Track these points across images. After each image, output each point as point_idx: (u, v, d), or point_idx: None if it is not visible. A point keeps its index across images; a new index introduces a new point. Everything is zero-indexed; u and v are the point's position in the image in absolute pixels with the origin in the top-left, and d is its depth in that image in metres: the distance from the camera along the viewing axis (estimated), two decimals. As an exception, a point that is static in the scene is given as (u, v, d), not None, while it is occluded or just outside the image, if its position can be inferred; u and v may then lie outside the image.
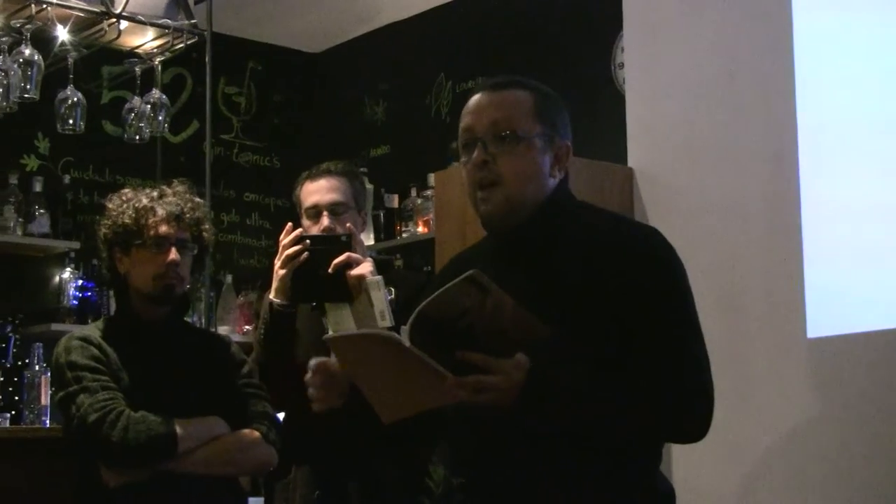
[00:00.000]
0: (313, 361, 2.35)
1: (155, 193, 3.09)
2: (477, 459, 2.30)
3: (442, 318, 2.00)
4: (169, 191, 3.11)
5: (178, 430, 2.92)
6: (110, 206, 3.10)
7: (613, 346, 2.20)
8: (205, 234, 3.11)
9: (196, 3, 5.03)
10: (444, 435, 2.49)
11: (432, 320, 2.00)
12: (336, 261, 3.13)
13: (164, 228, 3.03)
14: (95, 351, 2.99)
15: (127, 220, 3.04)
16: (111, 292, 4.86)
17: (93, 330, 3.10)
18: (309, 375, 2.34)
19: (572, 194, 2.43)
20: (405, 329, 2.01)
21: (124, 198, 3.09)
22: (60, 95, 4.64)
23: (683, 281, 2.32)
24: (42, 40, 4.57)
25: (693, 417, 2.25)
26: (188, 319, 5.30)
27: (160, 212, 3.04)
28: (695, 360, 2.25)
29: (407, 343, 1.99)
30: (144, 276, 3.04)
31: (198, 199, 3.16)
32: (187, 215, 3.06)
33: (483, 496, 2.27)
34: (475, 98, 2.41)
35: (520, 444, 2.22)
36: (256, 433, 3.08)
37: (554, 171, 2.37)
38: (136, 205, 3.05)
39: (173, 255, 3.02)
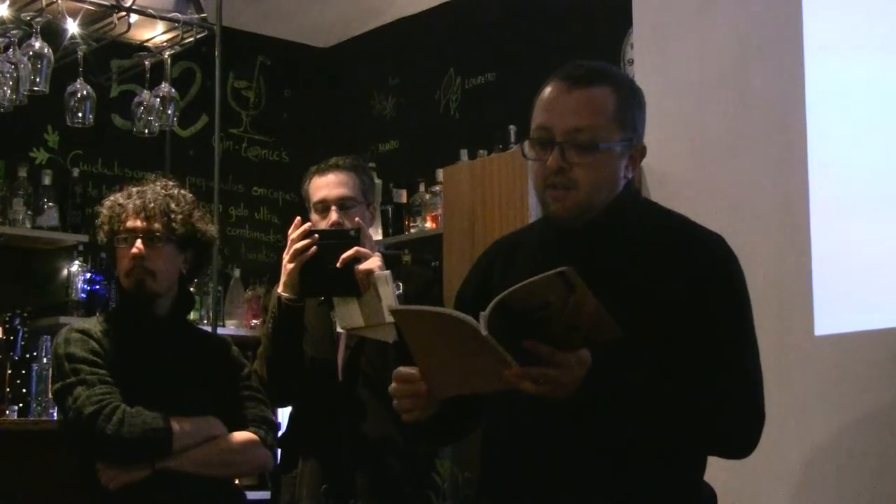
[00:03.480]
0: (399, 371, 2.21)
1: (134, 190, 3.11)
2: (514, 455, 2.27)
3: (521, 307, 1.99)
4: (149, 186, 3.12)
5: (174, 427, 2.92)
6: (99, 209, 3.14)
7: (666, 351, 2.17)
8: (176, 225, 3.06)
9: (205, -2, 5.04)
10: (470, 432, 2.46)
11: (510, 308, 1.99)
12: (344, 255, 3.14)
13: (130, 223, 3.04)
14: (95, 345, 2.99)
15: (105, 221, 3.08)
16: (115, 285, 4.88)
17: (93, 324, 3.10)
18: (393, 386, 2.21)
19: (638, 192, 2.38)
20: (483, 315, 1.98)
21: (109, 199, 3.13)
22: (70, 89, 4.65)
23: (743, 291, 2.28)
24: (52, 33, 4.57)
25: (742, 436, 2.23)
26: (196, 314, 5.39)
27: (128, 207, 3.05)
28: (749, 376, 2.22)
29: (484, 331, 1.97)
30: (121, 274, 3.07)
31: (182, 193, 3.14)
32: (153, 205, 3.04)
33: (518, 491, 2.25)
34: (554, 91, 2.30)
35: (563, 444, 2.20)
36: (254, 436, 3.09)
37: (627, 172, 2.32)
38: (111, 204, 3.09)
39: (137, 246, 3.01)
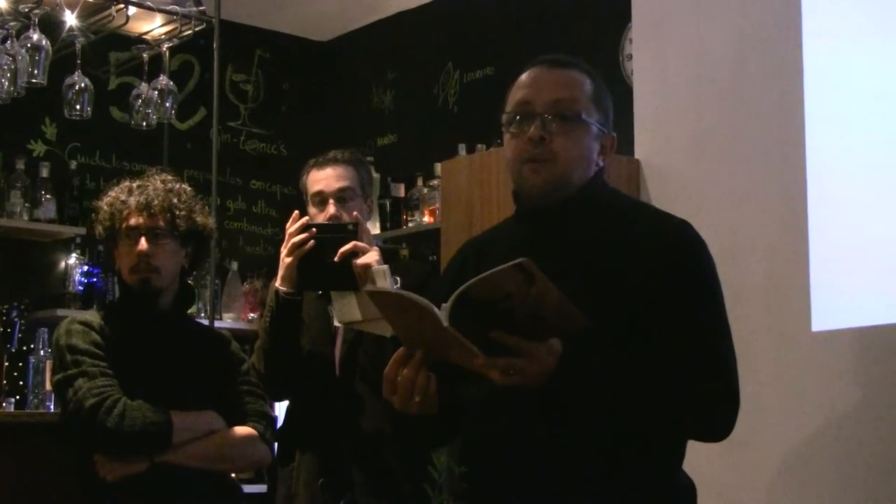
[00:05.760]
0: (390, 363, 2.19)
1: (135, 185, 3.09)
2: (493, 450, 2.27)
3: (483, 299, 2.01)
4: (149, 181, 3.10)
5: (174, 421, 2.92)
6: (98, 204, 3.11)
7: (637, 338, 2.18)
8: (180, 221, 3.05)
9: (204, -10, 5.03)
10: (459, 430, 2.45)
11: (473, 300, 2.00)
12: (342, 249, 3.14)
13: (133, 220, 3.02)
14: (96, 337, 2.99)
15: (104, 217, 3.06)
16: (116, 279, 4.89)
17: (94, 316, 3.10)
18: (388, 369, 2.19)
19: (607, 182, 2.41)
20: (445, 307, 2.00)
21: (108, 193, 3.11)
22: (68, 81, 4.64)
23: (713, 277, 2.30)
24: (50, 25, 4.57)
25: (717, 418, 2.24)
26: (194, 307, 5.38)
27: (131, 203, 3.04)
28: (722, 359, 2.23)
29: (445, 323, 1.99)
30: (124, 270, 3.06)
31: (181, 187, 3.13)
32: (156, 203, 3.03)
33: (498, 488, 2.25)
34: (533, 71, 2.36)
35: (540, 437, 2.20)
36: (253, 431, 3.09)
37: (599, 159, 2.36)
38: (110, 200, 3.07)
39: (142, 245, 3.00)
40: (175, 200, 3.07)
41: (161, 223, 3.04)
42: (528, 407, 2.17)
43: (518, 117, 2.32)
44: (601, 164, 2.36)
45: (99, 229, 3.09)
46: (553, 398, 2.12)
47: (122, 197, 3.06)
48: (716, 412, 2.24)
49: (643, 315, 2.20)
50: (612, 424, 2.17)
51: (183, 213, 3.07)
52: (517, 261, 1.98)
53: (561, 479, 2.20)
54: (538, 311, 2.03)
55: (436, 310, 2.01)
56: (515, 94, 2.35)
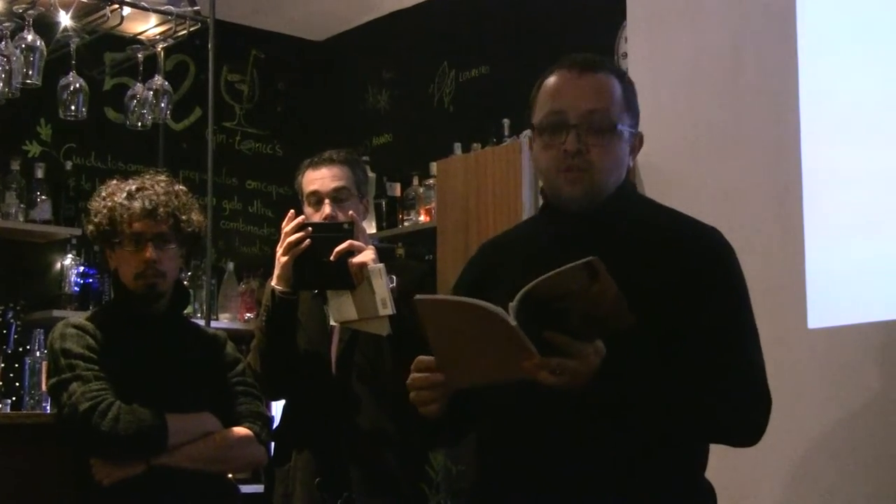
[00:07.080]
0: (420, 359, 2.16)
1: (133, 187, 3.05)
2: (513, 451, 2.26)
3: (543, 298, 2.00)
4: (148, 183, 3.07)
5: (169, 423, 2.92)
6: (92, 204, 3.08)
7: (669, 341, 2.18)
8: (183, 224, 3.04)
9: (199, -10, 5.03)
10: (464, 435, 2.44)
11: (535, 300, 2.00)
12: (338, 248, 3.14)
13: (138, 225, 3.00)
14: (90, 340, 2.99)
15: (103, 220, 3.03)
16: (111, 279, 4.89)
17: (88, 319, 3.09)
18: (414, 376, 2.17)
19: (635, 186, 2.42)
20: (512, 306, 1.99)
21: (103, 194, 3.07)
22: (63, 82, 4.64)
23: (742, 283, 2.31)
24: (44, 26, 4.57)
25: (752, 423, 2.26)
26: (190, 308, 5.38)
27: (134, 208, 3.00)
28: (753, 364, 2.25)
29: (513, 322, 1.98)
30: (127, 275, 3.03)
31: (179, 188, 3.11)
32: (161, 209, 3.01)
33: (517, 488, 2.24)
34: (564, 76, 2.33)
35: (567, 438, 2.19)
36: (248, 432, 3.09)
37: (629, 159, 2.37)
38: (111, 203, 3.03)
39: (150, 253, 2.99)
40: (177, 203, 3.06)
41: (165, 228, 3.03)
42: (555, 407, 2.15)
43: (551, 127, 2.30)
44: (631, 163, 2.37)
45: (91, 229, 3.06)
46: (591, 399, 2.10)
47: (124, 201, 3.03)
48: (751, 417, 2.25)
49: (673, 320, 2.20)
50: (647, 426, 2.17)
51: (185, 217, 3.06)
52: (586, 259, 1.97)
53: (582, 480, 2.19)
54: (592, 310, 2.02)
55: (502, 311, 1.99)
56: (545, 101, 2.33)
